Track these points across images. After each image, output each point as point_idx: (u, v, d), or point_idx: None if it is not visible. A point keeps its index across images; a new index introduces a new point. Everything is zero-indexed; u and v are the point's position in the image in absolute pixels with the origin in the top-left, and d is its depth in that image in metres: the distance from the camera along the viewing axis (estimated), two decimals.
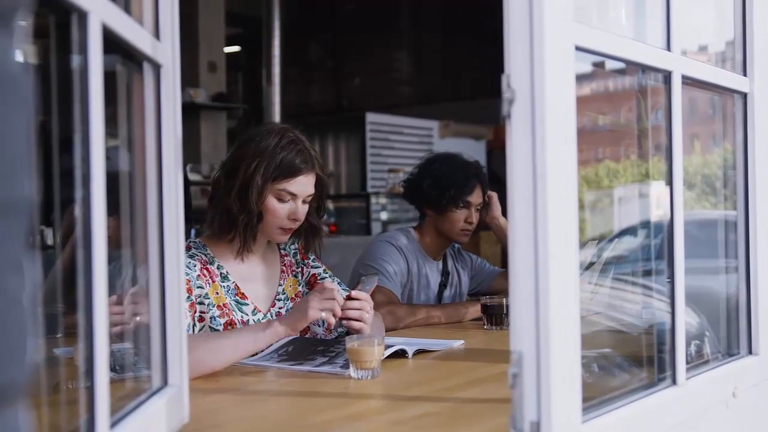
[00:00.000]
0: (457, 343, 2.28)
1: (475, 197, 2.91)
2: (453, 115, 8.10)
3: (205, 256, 2.16)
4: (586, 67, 1.33)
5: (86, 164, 0.97)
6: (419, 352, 2.10)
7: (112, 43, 1.07)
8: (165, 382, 1.33)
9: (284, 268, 2.31)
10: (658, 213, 1.85)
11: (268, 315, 2.20)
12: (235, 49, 9.50)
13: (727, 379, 1.64)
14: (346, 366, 1.84)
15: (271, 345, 2.04)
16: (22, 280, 0.55)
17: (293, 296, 2.29)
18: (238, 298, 2.15)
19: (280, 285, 2.27)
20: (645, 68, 1.51)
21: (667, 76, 1.48)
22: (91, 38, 0.98)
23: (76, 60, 0.99)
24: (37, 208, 0.61)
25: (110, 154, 1.04)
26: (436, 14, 9.09)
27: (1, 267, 0.52)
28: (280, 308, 2.24)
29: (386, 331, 2.57)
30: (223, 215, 2.14)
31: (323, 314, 1.96)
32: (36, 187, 0.59)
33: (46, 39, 0.98)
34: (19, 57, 0.58)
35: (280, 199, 2.13)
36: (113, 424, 1.05)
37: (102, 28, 1.00)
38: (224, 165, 2.18)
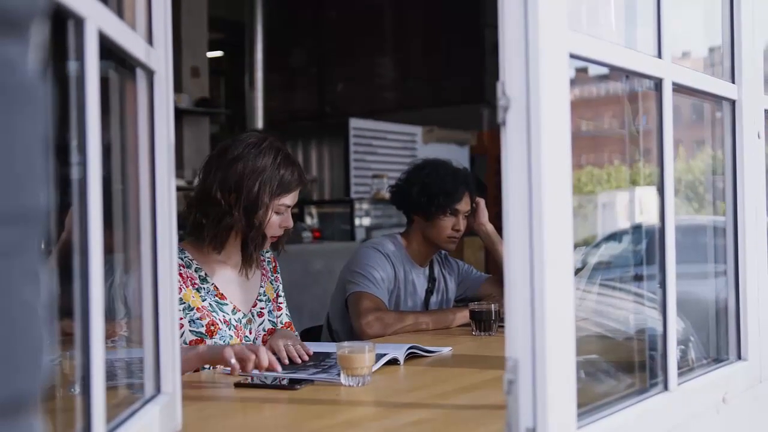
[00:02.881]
0: (445, 350, 2.28)
1: (464, 205, 2.91)
2: (436, 120, 8.09)
3: (182, 260, 2.19)
4: (570, 73, 1.33)
5: (83, 170, 0.97)
6: (411, 357, 2.10)
7: (106, 49, 1.07)
8: (158, 389, 1.32)
9: (264, 271, 2.38)
10: (642, 218, 1.86)
11: (249, 314, 2.27)
12: (218, 54, 9.47)
13: (718, 385, 1.65)
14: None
15: None
16: (39, 290, 0.54)
17: (272, 299, 2.37)
18: (217, 298, 2.20)
19: (262, 287, 2.35)
20: (637, 75, 1.52)
21: (658, 83, 1.49)
22: (87, 44, 0.97)
23: (72, 66, 0.98)
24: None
25: (102, 160, 1.04)
26: (420, 20, 9.10)
27: (18, 277, 0.52)
28: (262, 308, 2.32)
29: (374, 337, 2.57)
30: (225, 232, 2.17)
31: (233, 361, 1.83)
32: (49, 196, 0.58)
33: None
34: (33, 66, 0.57)
35: (278, 213, 2.21)
36: None
37: (98, 35, 1.00)
38: (219, 181, 2.16)
